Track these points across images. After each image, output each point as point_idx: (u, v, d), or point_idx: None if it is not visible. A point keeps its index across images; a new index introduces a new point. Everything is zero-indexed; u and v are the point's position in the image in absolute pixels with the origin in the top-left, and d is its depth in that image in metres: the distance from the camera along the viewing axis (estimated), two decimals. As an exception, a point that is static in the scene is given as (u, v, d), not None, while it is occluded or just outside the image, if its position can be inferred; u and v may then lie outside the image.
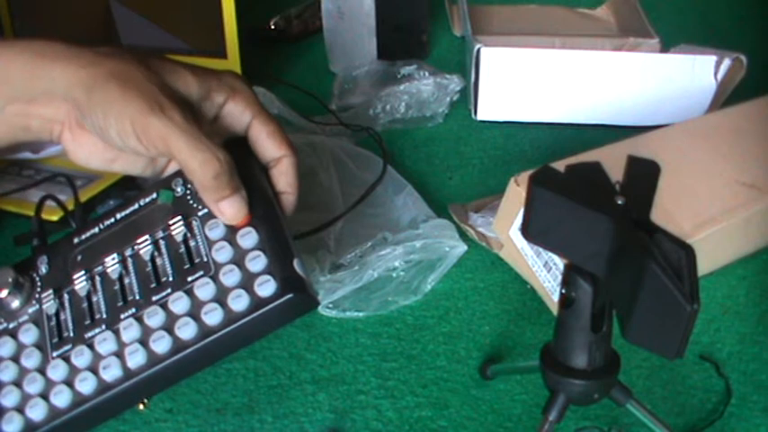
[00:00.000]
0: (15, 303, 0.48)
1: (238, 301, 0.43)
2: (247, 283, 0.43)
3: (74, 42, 0.47)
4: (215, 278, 0.44)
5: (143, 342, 0.43)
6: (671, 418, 0.50)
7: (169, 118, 0.43)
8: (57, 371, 0.44)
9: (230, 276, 0.44)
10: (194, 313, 0.43)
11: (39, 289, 0.48)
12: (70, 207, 0.56)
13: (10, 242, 0.65)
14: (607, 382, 0.44)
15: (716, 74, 0.77)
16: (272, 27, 1.01)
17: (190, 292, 0.44)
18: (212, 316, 0.43)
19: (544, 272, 0.57)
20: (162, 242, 0.47)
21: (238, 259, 0.44)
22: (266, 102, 0.79)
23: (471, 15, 0.92)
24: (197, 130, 0.44)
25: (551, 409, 0.44)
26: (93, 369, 0.44)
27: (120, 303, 0.46)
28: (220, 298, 0.43)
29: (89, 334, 0.45)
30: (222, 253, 0.45)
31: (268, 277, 0.43)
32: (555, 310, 0.47)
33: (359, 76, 0.88)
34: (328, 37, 0.91)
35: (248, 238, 0.45)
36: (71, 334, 0.46)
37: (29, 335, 0.46)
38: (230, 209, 0.45)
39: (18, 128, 0.47)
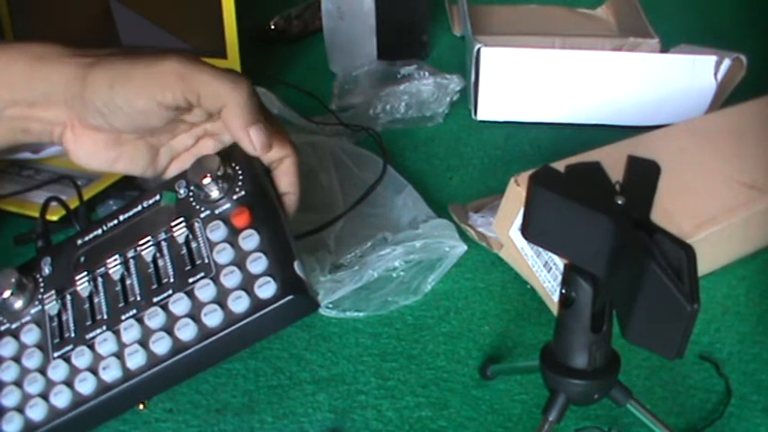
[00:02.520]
0: (18, 304, 0.48)
1: (238, 303, 0.43)
2: (248, 284, 0.43)
3: (72, 44, 0.47)
4: (215, 279, 0.44)
5: (143, 343, 0.44)
6: (671, 418, 0.50)
7: (183, 56, 0.43)
8: (57, 371, 0.44)
9: (231, 278, 0.44)
10: (194, 314, 0.43)
11: (42, 290, 0.48)
12: (72, 208, 0.56)
13: (10, 242, 0.65)
14: (607, 382, 0.44)
15: (716, 74, 0.77)
16: (272, 27, 1.01)
17: (190, 294, 0.44)
18: (212, 317, 0.43)
19: (544, 272, 0.57)
20: (164, 243, 0.47)
21: (239, 261, 0.44)
22: (266, 102, 0.79)
23: (471, 15, 0.92)
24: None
25: (551, 410, 0.44)
26: (93, 369, 0.44)
27: (121, 304, 0.46)
28: (220, 299, 0.43)
29: (90, 335, 0.45)
30: (223, 254, 0.45)
31: (268, 279, 0.43)
32: (555, 310, 0.47)
33: (359, 76, 0.88)
34: (328, 37, 0.91)
35: (250, 240, 0.45)
36: (72, 335, 0.46)
37: (31, 335, 0.46)
38: (259, 137, 0.46)
39: (18, 130, 0.47)
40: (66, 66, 0.45)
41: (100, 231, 0.50)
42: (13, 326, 0.47)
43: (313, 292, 0.45)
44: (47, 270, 0.49)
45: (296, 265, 0.44)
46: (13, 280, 0.47)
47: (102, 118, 0.45)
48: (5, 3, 0.88)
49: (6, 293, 0.47)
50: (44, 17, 0.88)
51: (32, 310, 0.48)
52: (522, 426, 0.50)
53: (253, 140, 0.46)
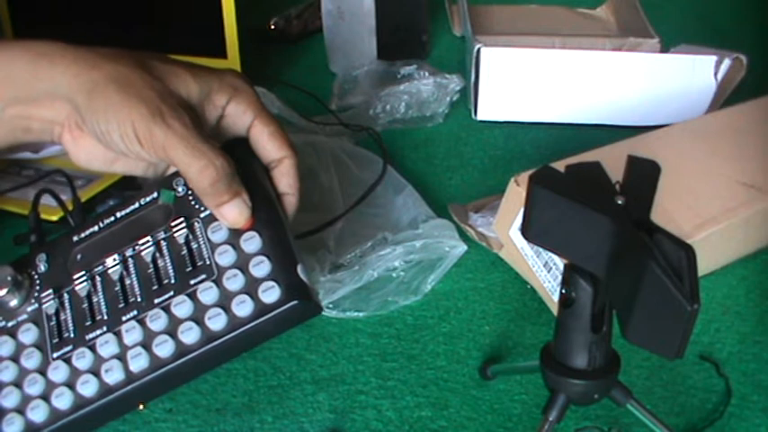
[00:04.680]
0: (14, 302, 0.47)
1: (242, 307, 0.42)
2: (251, 288, 0.43)
3: (74, 43, 0.46)
4: (218, 282, 0.44)
5: (145, 345, 0.43)
6: (671, 418, 0.50)
7: (168, 126, 0.43)
8: (57, 372, 0.44)
9: (234, 281, 0.43)
10: (198, 318, 0.43)
11: (38, 288, 0.48)
12: (70, 207, 0.56)
13: (10, 242, 0.65)
14: (607, 382, 0.44)
15: (716, 74, 0.77)
16: (272, 27, 1.01)
17: (193, 296, 0.44)
18: (216, 321, 0.43)
19: (544, 272, 0.57)
20: (164, 243, 0.47)
21: (242, 264, 0.44)
22: (266, 102, 0.79)
23: (471, 15, 0.92)
24: (195, 137, 0.44)
25: (551, 410, 0.44)
26: (95, 371, 0.44)
27: (121, 305, 0.45)
28: (224, 303, 0.43)
29: (90, 335, 0.45)
30: (225, 257, 0.44)
31: (272, 283, 0.43)
32: (555, 310, 0.47)
33: (359, 76, 0.88)
34: (328, 37, 0.92)
35: (252, 242, 0.44)
36: (71, 335, 0.45)
37: (28, 334, 0.46)
38: (231, 213, 0.45)
39: (19, 129, 0.47)
40: (69, 66, 0.45)
41: (96, 228, 0.49)
42: (10, 324, 0.47)
43: (316, 296, 0.45)
44: (42, 267, 0.49)
45: (299, 269, 0.44)
46: (8, 277, 0.47)
47: (98, 139, 0.45)
48: (5, 3, 0.88)
49: (2, 291, 0.47)
50: (44, 15, 0.88)
51: (29, 309, 0.47)
52: (522, 426, 0.50)
53: (224, 218, 0.45)
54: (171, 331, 0.43)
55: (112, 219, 0.49)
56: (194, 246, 0.46)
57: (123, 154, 0.46)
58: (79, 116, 0.45)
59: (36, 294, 0.48)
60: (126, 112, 0.43)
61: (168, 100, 0.45)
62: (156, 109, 0.44)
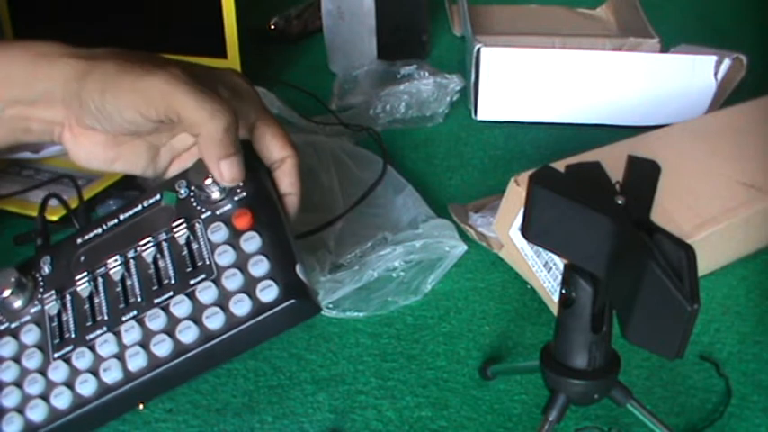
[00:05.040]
0: (18, 303, 0.47)
1: (240, 306, 0.43)
2: (249, 287, 0.43)
3: (74, 43, 0.47)
4: (217, 282, 0.44)
5: (144, 345, 0.43)
6: (671, 418, 0.50)
7: (171, 74, 0.42)
8: (57, 372, 0.44)
9: (232, 280, 0.43)
10: (196, 317, 0.43)
11: (41, 289, 0.48)
12: (72, 207, 0.56)
13: (10, 242, 0.65)
14: (607, 382, 0.44)
15: (716, 74, 0.77)
16: (272, 27, 1.01)
17: (192, 296, 0.44)
18: (214, 320, 0.43)
19: (544, 272, 0.57)
20: (165, 244, 0.47)
21: (241, 263, 0.44)
22: (266, 102, 0.79)
23: (471, 15, 0.93)
24: (201, 86, 0.43)
25: (551, 410, 0.44)
26: (94, 371, 0.44)
27: (121, 305, 0.45)
28: (222, 302, 0.43)
29: (90, 335, 0.45)
30: (225, 257, 0.44)
31: (270, 282, 0.43)
32: (555, 310, 0.47)
33: (359, 76, 0.88)
34: (328, 37, 0.92)
35: (251, 242, 0.45)
36: (72, 335, 0.46)
37: (30, 335, 0.46)
38: (230, 170, 0.45)
39: (19, 130, 0.47)
40: (67, 64, 0.45)
41: (100, 231, 0.49)
42: (13, 325, 0.47)
43: (315, 296, 0.45)
44: (46, 269, 0.49)
45: (298, 269, 0.44)
46: (12, 279, 0.47)
47: (97, 121, 0.45)
48: (5, 3, 0.88)
49: (6, 292, 0.47)
50: (44, 15, 0.88)
51: (32, 310, 0.47)
52: (522, 426, 0.50)
53: (222, 173, 0.45)
54: (169, 330, 0.43)
55: (116, 221, 0.49)
56: (195, 246, 0.46)
57: (123, 132, 0.45)
58: (77, 102, 0.45)
59: (39, 296, 0.48)
60: (120, 78, 0.43)
61: (167, 59, 0.44)
62: (151, 65, 0.43)
